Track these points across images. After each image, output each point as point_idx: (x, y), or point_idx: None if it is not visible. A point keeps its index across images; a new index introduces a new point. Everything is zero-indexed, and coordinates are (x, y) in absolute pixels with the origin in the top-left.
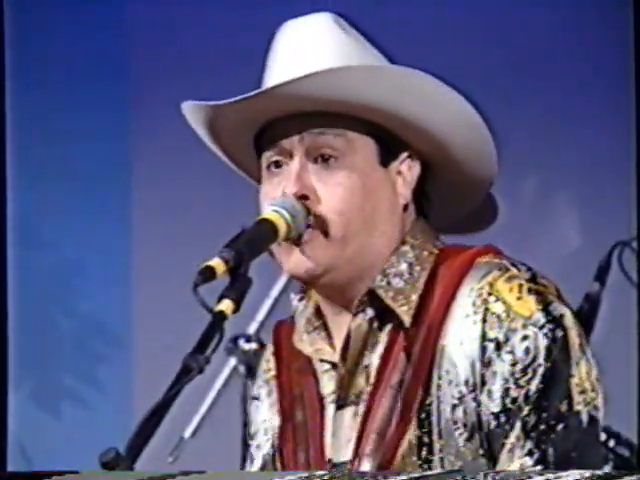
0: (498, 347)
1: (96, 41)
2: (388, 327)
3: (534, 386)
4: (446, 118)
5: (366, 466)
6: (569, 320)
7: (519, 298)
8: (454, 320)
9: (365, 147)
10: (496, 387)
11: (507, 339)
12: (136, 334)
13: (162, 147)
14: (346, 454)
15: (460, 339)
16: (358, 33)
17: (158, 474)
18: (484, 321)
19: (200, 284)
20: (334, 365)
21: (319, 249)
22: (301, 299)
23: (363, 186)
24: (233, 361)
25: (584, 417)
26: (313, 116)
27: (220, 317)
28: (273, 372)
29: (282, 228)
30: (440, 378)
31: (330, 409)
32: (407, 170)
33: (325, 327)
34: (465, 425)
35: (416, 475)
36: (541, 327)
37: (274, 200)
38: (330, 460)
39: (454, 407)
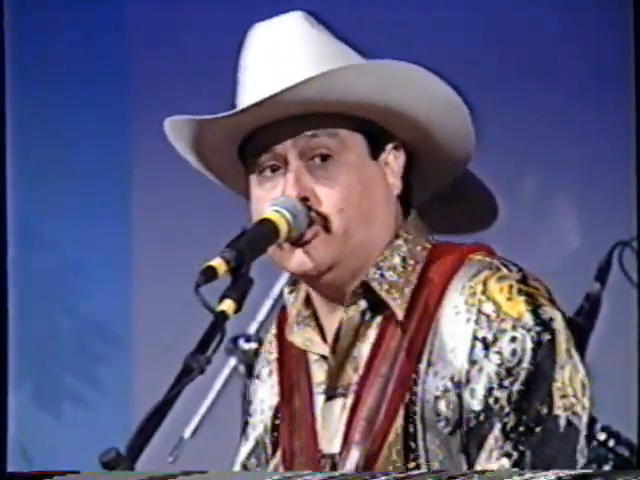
0: (486, 347)
1: (96, 41)
2: (379, 319)
3: (516, 388)
4: (428, 102)
5: (354, 455)
6: (558, 324)
7: (509, 299)
8: (445, 314)
9: (357, 143)
10: (480, 386)
11: (495, 339)
12: (136, 334)
13: (162, 147)
14: (336, 445)
15: (451, 334)
16: (328, 29)
17: (158, 474)
18: (475, 320)
19: (202, 284)
20: (324, 356)
21: (322, 246)
22: (291, 291)
23: (359, 181)
24: (233, 361)
25: (562, 422)
26: (304, 118)
27: (222, 317)
28: (275, 354)
29: (283, 228)
30: (428, 369)
31: (319, 400)
32: (394, 160)
33: (315, 317)
34: (447, 419)
35: (401, 475)
36: (529, 329)
37: (275, 200)
38: (320, 451)
39: (437, 399)
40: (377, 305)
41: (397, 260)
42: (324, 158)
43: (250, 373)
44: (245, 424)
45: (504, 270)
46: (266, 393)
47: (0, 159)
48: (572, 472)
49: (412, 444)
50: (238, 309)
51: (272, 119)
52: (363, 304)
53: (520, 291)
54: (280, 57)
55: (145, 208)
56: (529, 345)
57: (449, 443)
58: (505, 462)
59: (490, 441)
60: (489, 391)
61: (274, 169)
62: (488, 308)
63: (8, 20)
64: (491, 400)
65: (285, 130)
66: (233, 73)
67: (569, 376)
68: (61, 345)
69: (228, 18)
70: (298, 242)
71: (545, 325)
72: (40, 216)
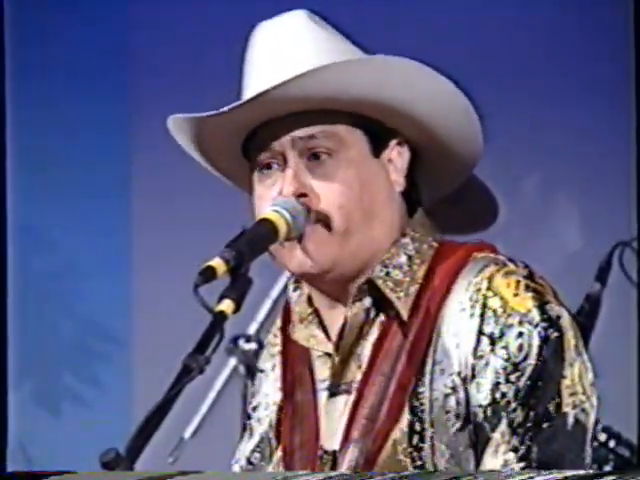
0: (492, 342)
1: (97, 34)
2: (383, 316)
3: (523, 383)
4: (431, 100)
5: (353, 452)
6: (566, 321)
7: (516, 294)
8: (450, 312)
9: (356, 140)
10: (486, 380)
11: (502, 334)
12: (136, 334)
13: (163, 147)
14: (337, 442)
15: (455, 331)
16: (332, 27)
17: (158, 474)
18: (481, 315)
19: (201, 284)
20: (328, 353)
21: (323, 245)
22: (295, 289)
23: (359, 178)
24: (233, 361)
25: (570, 419)
26: (302, 115)
27: (221, 317)
28: (279, 347)
29: (282, 228)
30: (434, 367)
31: (323, 396)
32: (397, 157)
33: (317, 315)
34: (457, 415)
35: (397, 475)
36: (536, 325)
37: (275, 200)
38: (321, 447)
39: (446, 396)
40: (381, 303)
41: (403, 258)
42: (322, 155)
43: (250, 373)
44: (248, 418)
45: (511, 265)
46: (270, 387)
47: (0, 160)
48: (581, 472)
49: (419, 443)
50: (237, 309)
51: (269, 116)
52: (368, 302)
53: (527, 287)
54: (282, 55)
55: (145, 209)
56: (536, 341)
57: (457, 439)
58: (511, 457)
59: (496, 436)
60: (496, 385)
61: (273, 166)
62: (495, 303)
63: (9, 13)
64: (498, 395)
65: (282, 127)
66: (233, 66)
67: (578, 373)
68: (61, 345)
69: (229, 12)
70: (299, 241)
71: (552, 321)
72: (40, 217)
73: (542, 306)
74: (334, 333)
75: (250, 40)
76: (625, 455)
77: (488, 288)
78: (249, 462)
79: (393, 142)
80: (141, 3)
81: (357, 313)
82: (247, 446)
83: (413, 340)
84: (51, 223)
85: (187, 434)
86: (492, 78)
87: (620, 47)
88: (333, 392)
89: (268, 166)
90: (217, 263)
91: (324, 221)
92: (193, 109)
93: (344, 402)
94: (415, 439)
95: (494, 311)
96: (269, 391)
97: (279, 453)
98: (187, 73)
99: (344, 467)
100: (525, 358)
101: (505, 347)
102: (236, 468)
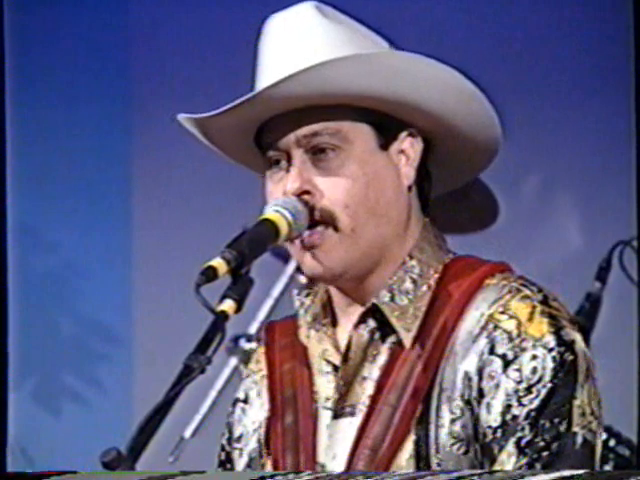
0: (506, 363)
1: (97, 39)
2: (390, 340)
3: (535, 405)
4: (438, 92)
5: None
6: (579, 345)
7: (531, 319)
8: (459, 342)
9: (362, 135)
10: (497, 402)
11: (516, 357)
12: (137, 334)
13: (163, 147)
14: (340, 465)
15: (463, 355)
16: (342, 16)
17: (159, 474)
18: (493, 337)
19: (202, 284)
20: (335, 367)
21: (332, 250)
22: (307, 294)
23: (364, 174)
24: (234, 361)
25: (579, 439)
26: (305, 112)
27: (222, 317)
28: (263, 372)
29: (283, 228)
30: (440, 395)
31: (325, 415)
32: (410, 147)
33: (333, 325)
34: (462, 440)
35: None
36: (550, 350)
37: (276, 200)
38: (324, 467)
39: (452, 422)
40: (387, 326)
41: (408, 284)
42: (326, 151)
43: None
44: (226, 452)
45: (526, 291)
46: (256, 413)
47: (0, 161)
48: (585, 472)
49: (424, 468)
50: (238, 309)
51: (272, 113)
52: (372, 323)
53: (543, 312)
54: (287, 51)
55: (146, 209)
56: (550, 364)
57: (461, 463)
58: None
59: (503, 456)
60: (507, 408)
61: (281, 163)
62: (509, 325)
63: (8, 18)
64: (508, 417)
65: (287, 125)
66: (234, 64)
67: (588, 395)
68: (61, 345)
69: (229, 15)
70: (307, 248)
71: (567, 346)
72: (40, 217)
73: (557, 332)
74: (344, 344)
75: (262, 32)
76: (625, 454)
77: (502, 312)
78: None
79: (404, 133)
80: (144, 8)
81: (361, 335)
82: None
83: (421, 370)
84: (51, 223)
85: (188, 434)
86: (492, 79)
87: (620, 47)
88: (337, 414)
89: (277, 162)
90: (218, 263)
91: (331, 221)
92: (195, 108)
93: (347, 424)
94: (421, 464)
95: (508, 333)
96: (256, 418)
97: (269, 462)
98: (188, 72)
99: None
100: (539, 380)
101: (518, 369)
102: None
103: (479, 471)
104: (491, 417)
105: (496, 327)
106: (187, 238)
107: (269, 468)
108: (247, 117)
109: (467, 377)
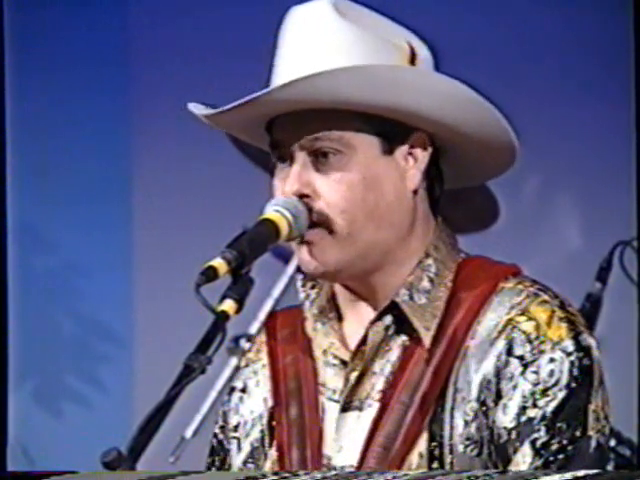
0: (524, 365)
1: (97, 38)
2: (403, 338)
3: (551, 408)
4: (444, 106)
5: None
6: (595, 351)
7: (550, 323)
8: (476, 342)
9: (365, 142)
10: (513, 403)
11: (534, 359)
12: (138, 334)
13: (164, 146)
14: (346, 458)
15: (481, 358)
16: (362, 11)
17: (160, 474)
18: (511, 338)
19: (202, 284)
20: (343, 362)
21: (327, 249)
22: (313, 287)
23: (363, 179)
24: (235, 361)
25: (593, 442)
26: (312, 114)
27: (222, 317)
28: (265, 362)
29: (284, 228)
30: (455, 395)
31: (331, 408)
32: (418, 150)
33: (339, 319)
34: (477, 441)
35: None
36: (569, 354)
37: (276, 200)
38: (330, 459)
39: (467, 423)
40: (403, 323)
41: (426, 282)
42: (328, 154)
43: None
44: (225, 437)
45: (544, 295)
46: (255, 403)
47: (0, 160)
48: (582, 472)
49: (436, 467)
50: (239, 309)
51: (278, 113)
52: (388, 319)
53: (561, 318)
54: (301, 53)
55: (146, 209)
56: (567, 367)
57: (473, 464)
58: None
59: (518, 457)
60: (522, 409)
61: (285, 160)
62: (528, 327)
63: (8, 18)
64: (524, 418)
65: (292, 126)
66: (234, 63)
67: (602, 399)
68: (61, 345)
69: (230, 14)
70: (304, 243)
71: (585, 351)
72: (40, 216)
73: (576, 337)
74: (352, 339)
75: (282, 25)
76: (626, 454)
77: (521, 314)
78: None
79: (412, 137)
80: (144, 8)
81: (377, 332)
82: (236, 461)
83: (435, 369)
84: (51, 222)
85: (188, 434)
86: (491, 79)
87: (620, 47)
88: (345, 407)
89: (282, 160)
90: (218, 263)
91: (326, 224)
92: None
93: (355, 418)
94: (434, 465)
95: (527, 335)
96: (254, 407)
97: (274, 452)
98: (188, 72)
99: None
100: (556, 383)
101: (536, 372)
102: None
103: (491, 471)
104: (507, 418)
105: (514, 328)
106: (188, 238)
107: (273, 459)
108: (253, 115)
109: (485, 380)
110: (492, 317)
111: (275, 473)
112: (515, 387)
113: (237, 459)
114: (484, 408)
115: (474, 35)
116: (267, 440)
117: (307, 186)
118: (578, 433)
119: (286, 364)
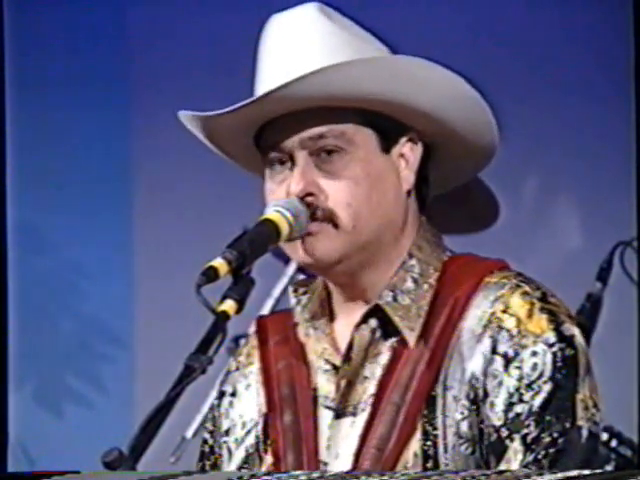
0: (507, 361)
1: (97, 43)
2: (391, 340)
3: (538, 402)
4: (441, 96)
5: None
6: (578, 339)
7: (530, 316)
8: (462, 341)
9: (365, 138)
10: (499, 400)
11: (516, 354)
12: (138, 334)
13: (164, 148)
14: (343, 464)
15: (469, 355)
16: (345, 18)
17: (161, 474)
18: (495, 336)
19: (203, 285)
20: (335, 367)
21: (328, 240)
22: (305, 292)
23: (367, 176)
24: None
25: (584, 432)
26: (309, 114)
27: (223, 317)
28: (256, 365)
29: (284, 229)
30: (445, 393)
31: (325, 414)
32: (410, 152)
33: (330, 321)
34: (470, 440)
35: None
36: (551, 345)
37: (277, 200)
38: (326, 464)
39: (459, 422)
40: (389, 325)
41: (410, 283)
42: (331, 153)
43: None
44: (212, 447)
45: (525, 287)
46: (245, 407)
47: (0, 161)
48: (594, 472)
49: (432, 467)
50: (240, 309)
51: (275, 115)
52: (374, 322)
53: (542, 309)
54: (289, 53)
55: (147, 208)
56: (550, 359)
57: (468, 464)
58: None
59: (510, 453)
60: (509, 406)
61: (283, 162)
62: (509, 324)
63: (8, 18)
64: (511, 414)
65: (290, 126)
66: (233, 61)
67: (589, 388)
68: (62, 345)
69: (229, 16)
70: (302, 238)
71: (568, 341)
72: (41, 216)
73: (557, 328)
74: (343, 343)
75: (263, 33)
76: (627, 455)
77: (503, 311)
78: None
79: (405, 137)
80: (143, 11)
81: (363, 335)
82: (228, 466)
83: (424, 369)
84: (52, 222)
85: (189, 434)
86: (491, 80)
87: (620, 48)
88: (339, 413)
89: (278, 163)
90: (219, 263)
91: (331, 219)
92: (195, 109)
93: (349, 423)
94: (429, 464)
95: (508, 331)
96: (244, 412)
97: (269, 458)
98: (188, 74)
99: None
100: (540, 376)
101: (519, 367)
102: None
103: (488, 472)
104: (495, 416)
105: (497, 326)
106: (188, 238)
107: (268, 464)
108: (250, 117)
109: (474, 377)
110: (476, 313)
111: (278, 473)
112: (500, 384)
113: (230, 464)
114: (474, 406)
115: (471, 34)
116: (262, 446)
117: (312, 185)
118: (568, 424)
119: (279, 370)
